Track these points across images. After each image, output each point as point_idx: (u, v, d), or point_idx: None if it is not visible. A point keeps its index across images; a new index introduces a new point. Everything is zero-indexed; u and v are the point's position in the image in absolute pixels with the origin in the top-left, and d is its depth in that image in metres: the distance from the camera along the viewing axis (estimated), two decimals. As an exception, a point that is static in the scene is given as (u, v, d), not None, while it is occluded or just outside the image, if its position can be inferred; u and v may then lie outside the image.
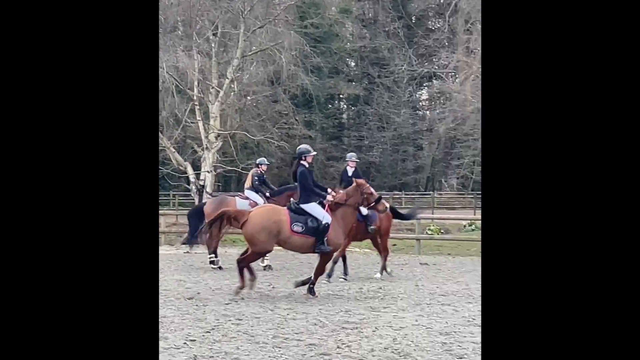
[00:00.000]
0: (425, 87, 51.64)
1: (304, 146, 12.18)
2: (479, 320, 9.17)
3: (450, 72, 30.20)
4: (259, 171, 16.62)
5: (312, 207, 11.54)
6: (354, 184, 11.99)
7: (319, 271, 11.81)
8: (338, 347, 7.57)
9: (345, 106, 55.02)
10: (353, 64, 52.95)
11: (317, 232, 11.39)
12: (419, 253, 20.35)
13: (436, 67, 38.15)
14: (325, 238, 11.41)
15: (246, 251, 11.74)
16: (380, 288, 12.67)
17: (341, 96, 53.12)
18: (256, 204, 16.00)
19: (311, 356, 7.21)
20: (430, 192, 47.26)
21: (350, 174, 14.80)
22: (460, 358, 7.12)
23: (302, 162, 11.82)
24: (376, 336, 8.19)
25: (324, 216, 11.45)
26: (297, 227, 11.38)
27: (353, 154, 15.74)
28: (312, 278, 11.70)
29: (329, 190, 11.97)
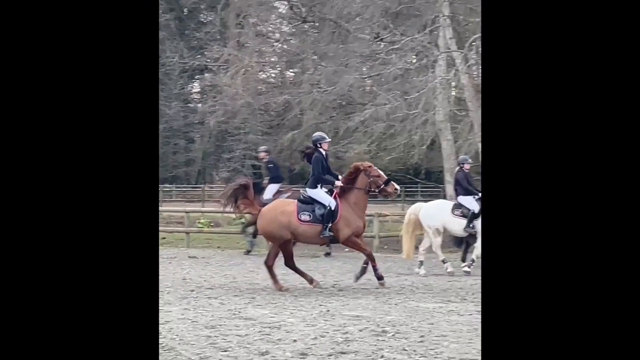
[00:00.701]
0: (197, 80, 51.40)
1: (318, 133, 12.24)
2: (244, 313, 9.30)
3: (221, 66, 30.23)
4: None
5: (317, 193, 11.53)
6: (355, 166, 11.91)
7: (369, 256, 11.72)
8: (100, 344, 7.41)
9: (115, 97, 53.84)
10: (123, 54, 51.90)
11: (324, 218, 11.35)
12: (188, 246, 20.27)
13: (207, 60, 37.96)
14: (330, 225, 11.37)
15: (269, 252, 11.78)
16: (147, 282, 12.50)
17: (111, 87, 51.92)
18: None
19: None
20: (202, 185, 47.25)
21: None
22: (225, 351, 7.17)
23: (319, 148, 11.74)
24: (141, 332, 8.08)
25: (329, 201, 11.42)
26: (305, 216, 11.42)
27: None
28: (373, 265, 11.62)
29: (340, 177, 11.90)
